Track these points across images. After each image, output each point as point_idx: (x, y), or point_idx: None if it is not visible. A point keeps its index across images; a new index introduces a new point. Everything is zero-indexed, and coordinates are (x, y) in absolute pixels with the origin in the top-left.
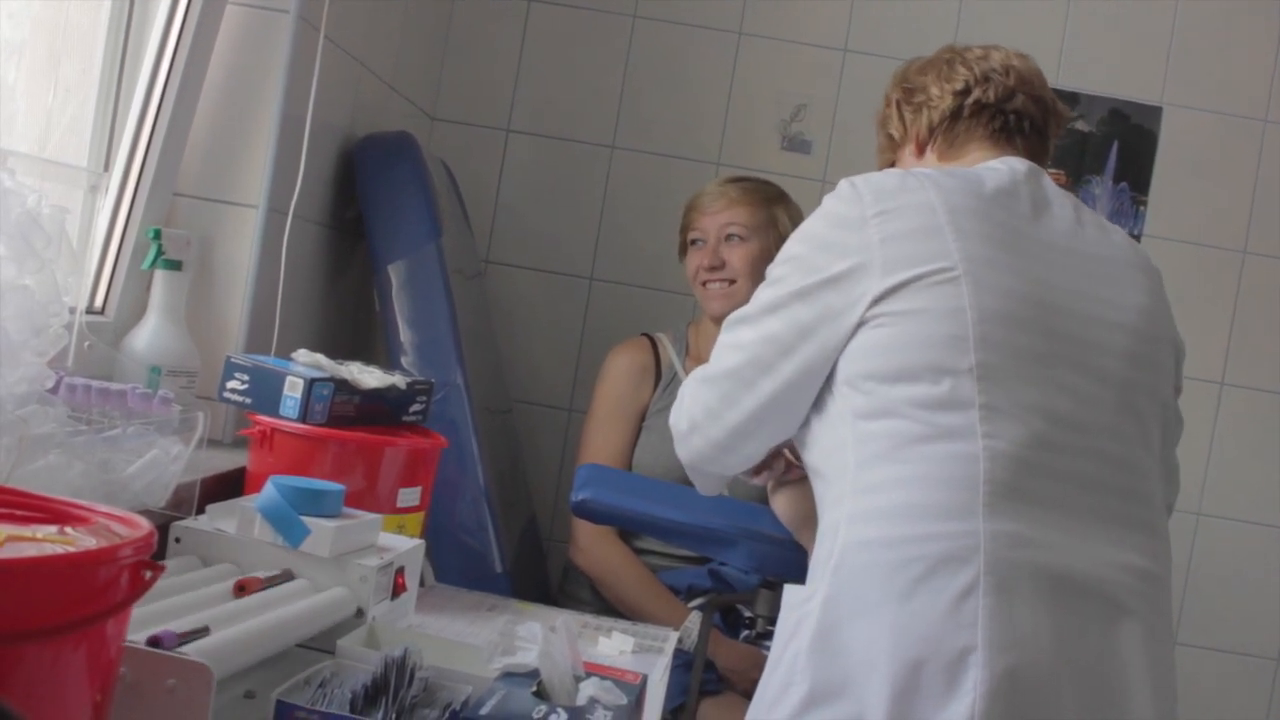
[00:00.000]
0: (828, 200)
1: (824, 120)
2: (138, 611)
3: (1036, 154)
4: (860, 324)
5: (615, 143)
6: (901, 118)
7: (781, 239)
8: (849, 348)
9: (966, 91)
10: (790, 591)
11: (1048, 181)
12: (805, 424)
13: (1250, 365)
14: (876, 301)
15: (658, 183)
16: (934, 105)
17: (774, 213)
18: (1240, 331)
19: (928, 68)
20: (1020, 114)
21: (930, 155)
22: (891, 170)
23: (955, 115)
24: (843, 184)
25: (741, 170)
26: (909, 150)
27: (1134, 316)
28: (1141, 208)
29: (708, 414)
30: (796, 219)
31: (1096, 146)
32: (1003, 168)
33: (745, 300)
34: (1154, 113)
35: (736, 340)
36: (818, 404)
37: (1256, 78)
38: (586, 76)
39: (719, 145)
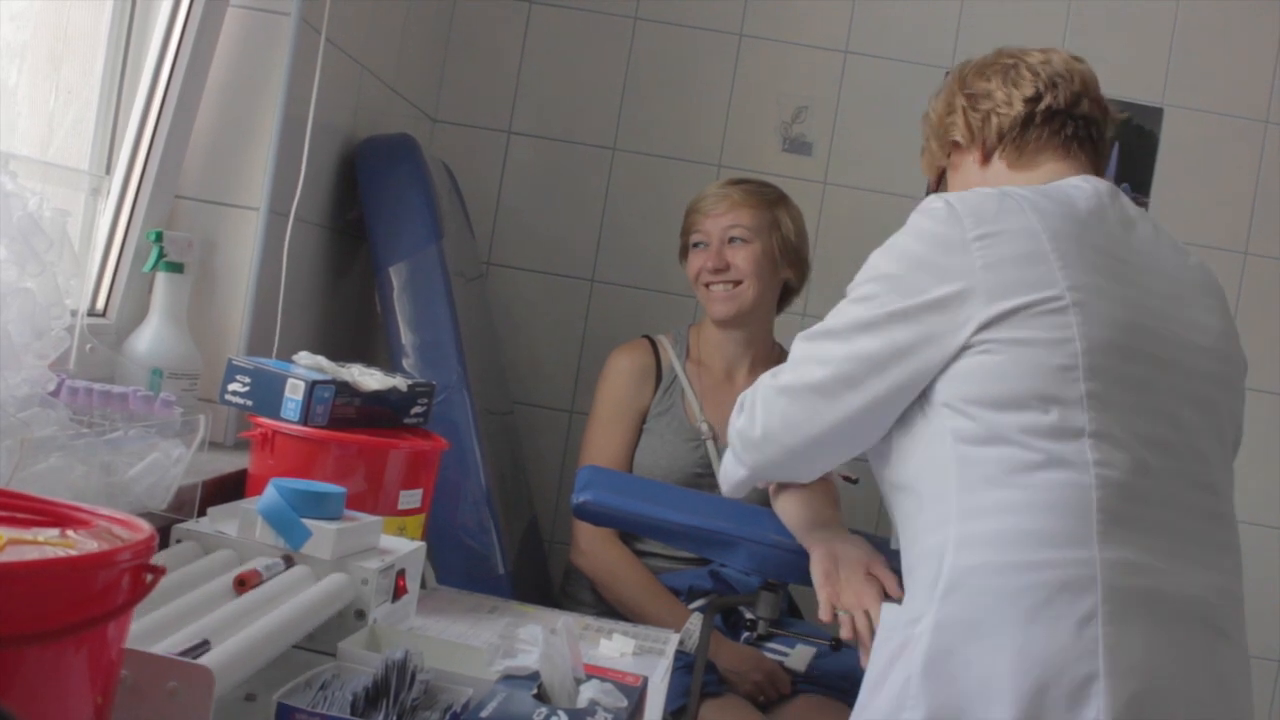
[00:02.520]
0: (921, 219)
1: (825, 122)
2: (139, 613)
3: (1100, 162)
4: (964, 348)
5: (616, 144)
6: (968, 123)
7: (784, 240)
8: (950, 370)
9: (1038, 98)
10: (890, 611)
11: (1126, 201)
12: (885, 438)
13: (1252, 366)
14: (983, 328)
15: (659, 184)
16: (1002, 112)
17: (776, 214)
18: (1242, 333)
19: (988, 71)
20: (1087, 119)
21: (998, 163)
22: (986, 190)
23: (1027, 122)
24: (936, 202)
25: (742, 172)
26: (973, 157)
27: (1215, 340)
28: (1143, 208)
29: (786, 425)
30: (797, 220)
31: None
32: (1087, 186)
33: (750, 302)
34: (1155, 114)
35: (822, 354)
36: (904, 421)
37: (1257, 79)
38: (587, 78)
39: (720, 147)
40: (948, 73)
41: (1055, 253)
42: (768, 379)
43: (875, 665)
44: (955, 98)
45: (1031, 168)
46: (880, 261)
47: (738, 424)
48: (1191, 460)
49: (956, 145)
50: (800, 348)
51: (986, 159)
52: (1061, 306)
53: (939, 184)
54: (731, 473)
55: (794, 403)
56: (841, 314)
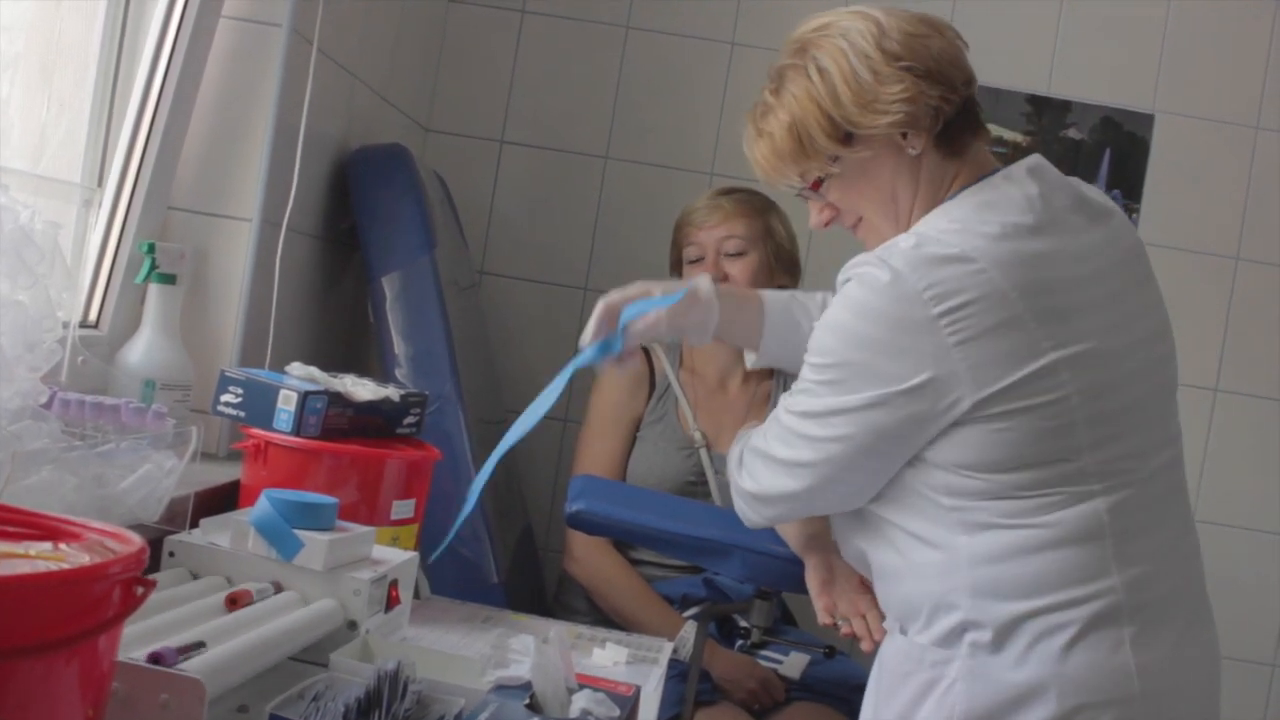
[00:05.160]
0: (867, 294)
1: None
2: (131, 628)
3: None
4: (955, 424)
5: (609, 153)
6: (932, 107)
7: (778, 248)
8: (944, 439)
9: (970, 80)
10: (902, 642)
11: (1048, 173)
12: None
13: (1244, 371)
14: (975, 407)
15: (652, 193)
16: (950, 99)
17: (768, 222)
18: (1234, 338)
19: (937, 42)
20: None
21: (933, 154)
22: (931, 253)
23: (965, 107)
24: (878, 272)
25: (735, 180)
26: (910, 148)
27: (1155, 323)
28: (1134, 215)
29: (783, 495)
30: (788, 226)
31: (1089, 154)
32: (1019, 195)
33: None
34: (1146, 120)
35: (806, 433)
36: (897, 476)
37: (1248, 84)
38: (580, 87)
39: (713, 155)
40: (822, 28)
41: (1030, 313)
42: (758, 441)
43: (899, 698)
44: (904, 77)
45: (962, 153)
46: (835, 344)
47: (740, 483)
48: (1165, 467)
49: (872, 137)
50: (787, 419)
51: (922, 150)
52: (1052, 370)
53: (816, 187)
54: (744, 514)
55: (787, 477)
56: (815, 395)
